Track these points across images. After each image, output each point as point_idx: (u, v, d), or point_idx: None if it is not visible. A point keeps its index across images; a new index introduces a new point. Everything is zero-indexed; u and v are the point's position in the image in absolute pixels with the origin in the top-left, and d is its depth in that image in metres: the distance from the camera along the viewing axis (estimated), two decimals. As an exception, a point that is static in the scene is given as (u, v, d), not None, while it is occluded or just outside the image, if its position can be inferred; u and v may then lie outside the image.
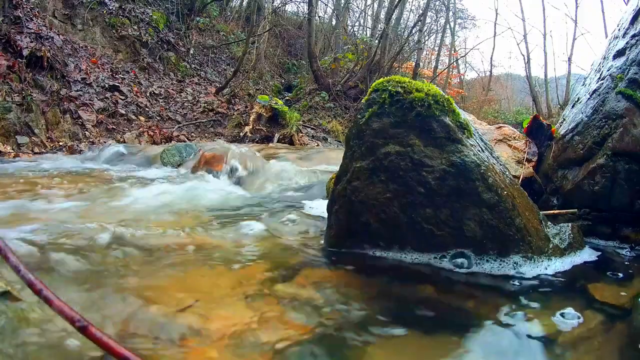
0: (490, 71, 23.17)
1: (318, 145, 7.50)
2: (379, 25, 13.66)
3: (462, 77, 24.26)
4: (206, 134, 7.33)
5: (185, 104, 7.99)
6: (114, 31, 8.19)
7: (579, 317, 1.06)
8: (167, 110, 7.55)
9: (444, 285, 1.28)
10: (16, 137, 4.81)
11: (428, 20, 16.62)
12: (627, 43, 1.96)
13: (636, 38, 1.92)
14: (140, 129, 6.31)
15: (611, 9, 30.20)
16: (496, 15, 37.06)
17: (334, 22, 15.16)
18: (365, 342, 0.93)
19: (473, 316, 1.07)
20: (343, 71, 10.87)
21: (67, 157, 4.64)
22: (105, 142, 5.55)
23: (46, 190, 2.59)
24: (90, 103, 6.23)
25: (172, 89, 8.34)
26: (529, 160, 2.27)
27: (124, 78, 7.52)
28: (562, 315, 1.07)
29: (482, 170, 1.40)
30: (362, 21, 18.33)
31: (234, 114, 7.86)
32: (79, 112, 5.93)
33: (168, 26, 9.49)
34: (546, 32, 28.38)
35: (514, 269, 1.35)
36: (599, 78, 2.05)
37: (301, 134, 7.51)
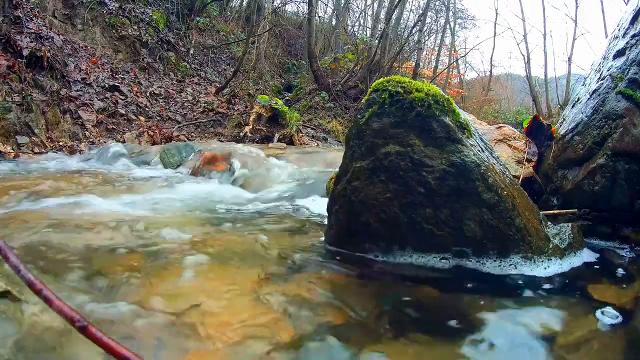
0: (490, 71, 23.18)
1: (318, 145, 7.50)
2: (379, 25, 13.66)
3: (462, 77, 24.25)
4: (206, 134, 7.33)
5: (185, 104, 7.99)
6: (114, 31, 8.19)
7: (579, 318, 1.06)
8: (167, 110, 7.55)
9: (444, 286, 1.28)
10: (16, 137, 4.81)
11: (428, 20, 16.62)
12: (627, 43, 1.96)
13: (636, 38, 1.92)
14: (140, 129, 6.31)
15: (611, 9, 30.22)
16: (496, 15, 37.07)
17: (334, 22, 15.16)
18: (366, 343, 0.93)
19: (473, 316, 1.07)
20: (343, 71, 10.86)
21: (67, 157, 4.64)
22: (105, 142, 5.55)
23: (45, 191, 2.59)
24: (90, 103, 6.23)
25: (172, 89, 8.34)
26: (529, 160, 2.27)
27: (124, 78, 7.52)
28: (563, 316, 1.07)
29: (482, 170, 1.40)
30: (362, 21, 18.34)
31: (234, 114, 7.86)
32: (79, 112, 5.93)
33: (168, 26, 9.49)
34: (546, 32, 28.38)
35: (514, 269, 1.35)
36: (599, 78, 2.05)
37: (301, 134, 7.51)
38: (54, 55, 6.05)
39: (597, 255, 1.58)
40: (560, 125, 2.25)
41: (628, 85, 1.84)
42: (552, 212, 1.90)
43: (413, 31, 12.83)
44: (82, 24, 7.77)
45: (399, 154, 1.44)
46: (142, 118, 6.86)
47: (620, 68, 1.92)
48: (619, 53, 1.98)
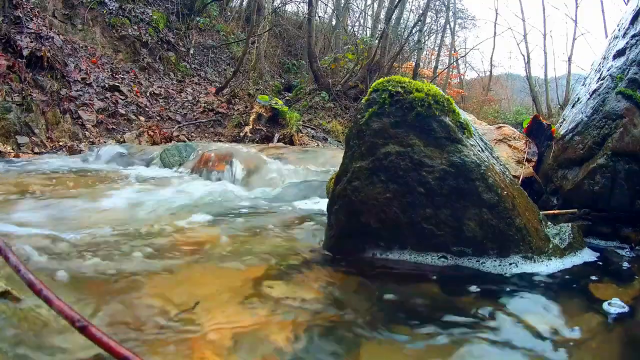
0: (490, 71, 23.18)
1: (318, 145, 7.49)
2: (379, 25, 13.64)
3: (462, 77, 24.25)
4: (206, 134, 7.33)
5: (185, 104, 7.99)
6: (114, 31, 8.19)
7: (579, 318, 1.06)
8: (167, 110, 7.54)
9: (444, 285, 1.28)
10: (16, 137, 4.81)
11: (428, 20, 16.59)
12: (627, 43, 1.96)
13: (636, 38, 1.92)
14: (140, 129, 6.30)
15: (611, 9, 30.16)
16: (496, 15, 37.08)
17: (334, 22, 15.15)
18: (366, 343, 0.93)
19: (472, 316, 1.07)
20: (343, 71, 10.85)
21: (67, 157, 4.64)
22: (105, 142, 5.55)
23: (45, 191, 2.59)
24: (90, 103, 6.23)
25: (172, 89, 8.34)
26: (529, 160, 2.27)
27: (124, 78, 7.52)
28: (563, 315, 1.07)
29: (482, 170, 1.40)
30: (362, 21, 18.31)
31: (234, 114, 7.86)
32: (79, 112, 5.93)
33: (168, 26, 9.49)
34: (546, 32, 28.32)
35: (514, 269, 1.35)
36: (599, 78, 2.05)
37: (301, 134, 7.51)
38: (54, 55, 6.04)
39: (597, 255, 1.58)
40: (560, 125, 2.25)
41: (628, 85, 1.84)
42: (552, 212, 1.90)
43: (413, 31, 12.82)
44: (82, 24, 7.77)
45: (399, 154, 1.44)
46: (142, 118, 6.86)
47: (620, 68, 1.92)
48: (619, 53, 1.98)
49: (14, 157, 4.40)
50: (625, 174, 1.75)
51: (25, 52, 5.58)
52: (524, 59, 19.14)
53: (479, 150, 1.50)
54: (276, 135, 7.11)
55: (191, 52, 9.97)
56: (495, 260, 1.37)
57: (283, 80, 12.23)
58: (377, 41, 10.42)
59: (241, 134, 7.20)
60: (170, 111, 7.57)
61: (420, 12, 14.64)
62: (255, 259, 1.45)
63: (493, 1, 43.86)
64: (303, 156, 4.41)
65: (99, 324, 0.91)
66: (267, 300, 1.11)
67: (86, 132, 5.80)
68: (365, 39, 11.34)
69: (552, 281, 1.31)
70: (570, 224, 1.63)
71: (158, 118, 7.18)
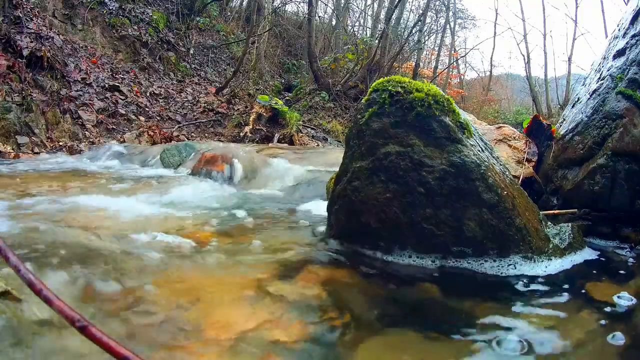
0: (490, 71, 23.17)
1: (318, 145, 7.49)
2: (379, 25, 13.64)
3: (462, 77, 24.24)
4: (206, 134, 7.33)
5: (185, 104, 7.99)
6: (114, 31, 8.19)
7: (579, 317, 1.06)
8: (167, 110, 7.54)
9: (444, 285, 1.28)
10: (16, 137, 4.81)
11: (428, 20, 16.58)
12: (627, 43, 1.96)
13: (636, 38, 1.92)
14: (140, 129, 6.30)
15: (611, 9, 30.17)
16: (496, 15, 37.07)
17: (334, 22, 15.15)
18: (366, 343, 0.93)
19: (472, 316, 1.07)
20: (343, 71, 10.85)
21: (67, 157, 4.64)
22: (105, 142, 5.55)
23: (44, 191, 2.59)
24: (90, 103, 6.23)
25: (172, 89, 8.34)
26: (529, 160, 2.27)
27: (124, 78, 7.52)
28: (563, 315, 1.07)
29: (482, 170, 1.40)
30: (362, 21, 18.30)
31: (234, 114, 7.86)
32: (79, 112, 5.93)
33: (168, 26, 9.49)
34: (546, 32, 28.28)
35: (514, 269, 1.35)
36: (599, 78, 2.05)
37: (301, 134, 7.51)
38: (54, 55, 6.05)
39: (598, 254, 1.58)
40: (560, 125, 2.25)
41: (628, 85, 1.84)
42: (552, 212, 1.90)
43: (413, 31, 12.82)
44: (82, 24, 7.77)
45: (399, 154, 1.44)
46: (142, 118, 6.86)
47: (620, 68, 1.92)
48: (619, 53, 1.98)
49: (13, 157, 4.40)
50: (625, 174, 1.75)
51: (25, 52, 5.58)
52: (524, 59, 19.14)
53: (479, 150, 1.50)
54: (276, 135, 7.11)
55: (191, 52, 9.97)
56: (495, 261, 1.37)
57: (283, 80, 12.22)
58: (377, 41, 10.41)
59: (241, 134, 7.20)
60: (170, 111, 7.58)
61: (420, 12, 14.64)
62: (254, 258, 1.45)
63: (493, 1, 43.86)
64: (303, 156, 4.41)
65: (98, 324, 0.91)
66: (266, 300, 1.11)
67: (86, 132, 5.80)
68: (365, 39, 11.33)
69: (552, 281, 1.31)
70: (570, 224, 1.63)
71: (158, 118, 7.18)
